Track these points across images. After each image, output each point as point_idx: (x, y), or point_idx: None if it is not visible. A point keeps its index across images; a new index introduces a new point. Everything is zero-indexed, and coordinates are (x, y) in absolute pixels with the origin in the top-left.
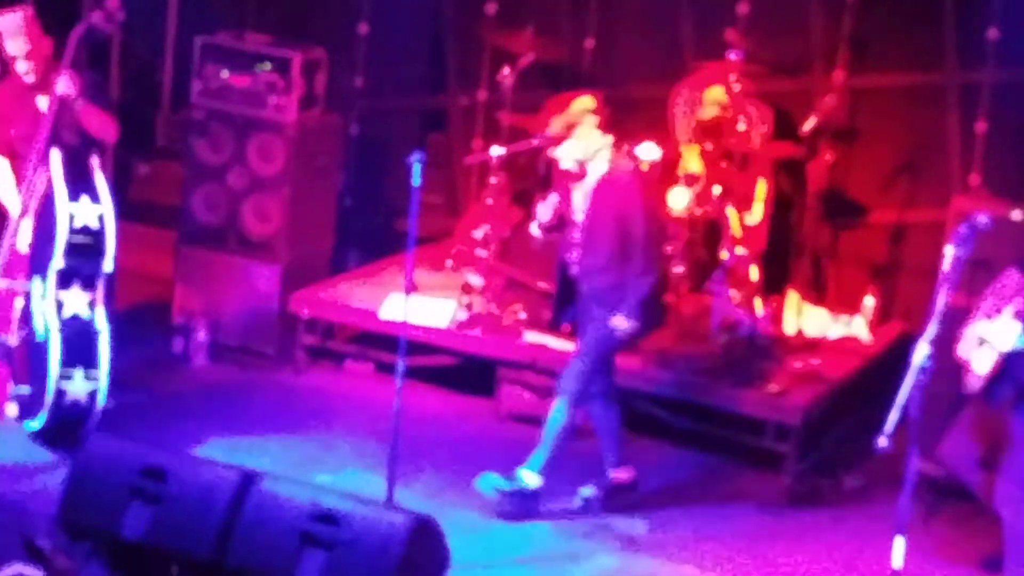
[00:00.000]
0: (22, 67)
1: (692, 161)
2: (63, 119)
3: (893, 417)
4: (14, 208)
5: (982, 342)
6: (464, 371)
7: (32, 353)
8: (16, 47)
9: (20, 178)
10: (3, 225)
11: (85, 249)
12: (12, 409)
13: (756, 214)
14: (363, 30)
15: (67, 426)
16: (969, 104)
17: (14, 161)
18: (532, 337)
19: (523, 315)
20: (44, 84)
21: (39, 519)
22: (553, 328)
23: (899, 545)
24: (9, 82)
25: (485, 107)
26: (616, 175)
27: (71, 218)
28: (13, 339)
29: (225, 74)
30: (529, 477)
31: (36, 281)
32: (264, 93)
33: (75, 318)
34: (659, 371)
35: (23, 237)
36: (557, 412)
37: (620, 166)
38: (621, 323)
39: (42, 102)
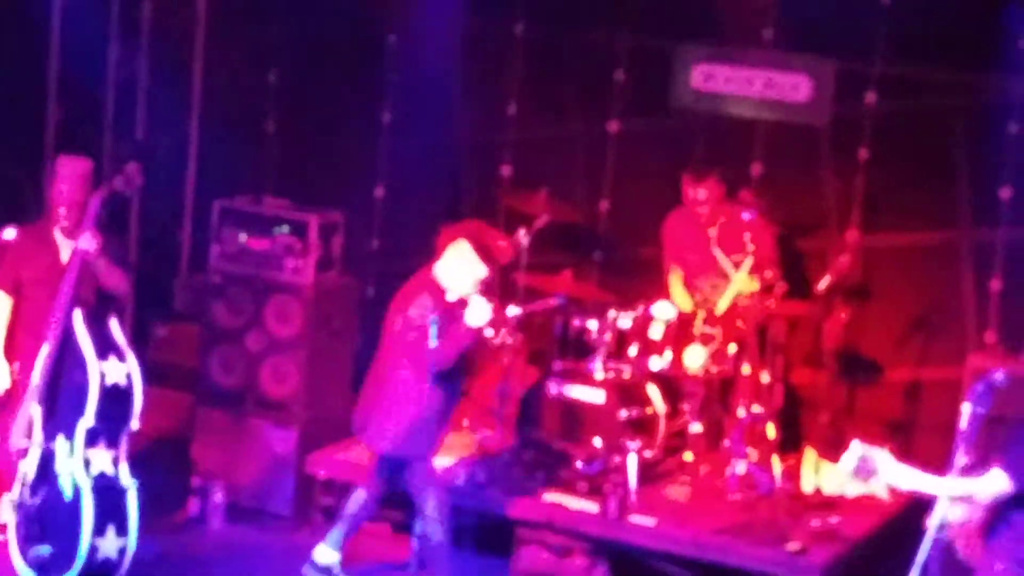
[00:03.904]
0: (62, 211)
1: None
2: (83, 278)
3: (914, 574)
4: None
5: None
6: (482, 531)
7: (54, 510)
8: (66, 189)
9: (24, 323)
10: None
11: (115, 407)
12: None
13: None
14: (379, 193)
15: None
16: (983, 262)
17: (20, 302)
18: (550, 496)
19: (541, 474)
20: (73, 235)
21: None
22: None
23: None
24: (36, 225)
25: (501, 268)
26: None
27: (102, 376)
28: (28, 499)
29: (243, 237)
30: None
31: (61, 440)
32: (281, 256)
33: (102, 475)
34: (677, 529)
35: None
36: None
37: None
38: None
39: (64, 253)
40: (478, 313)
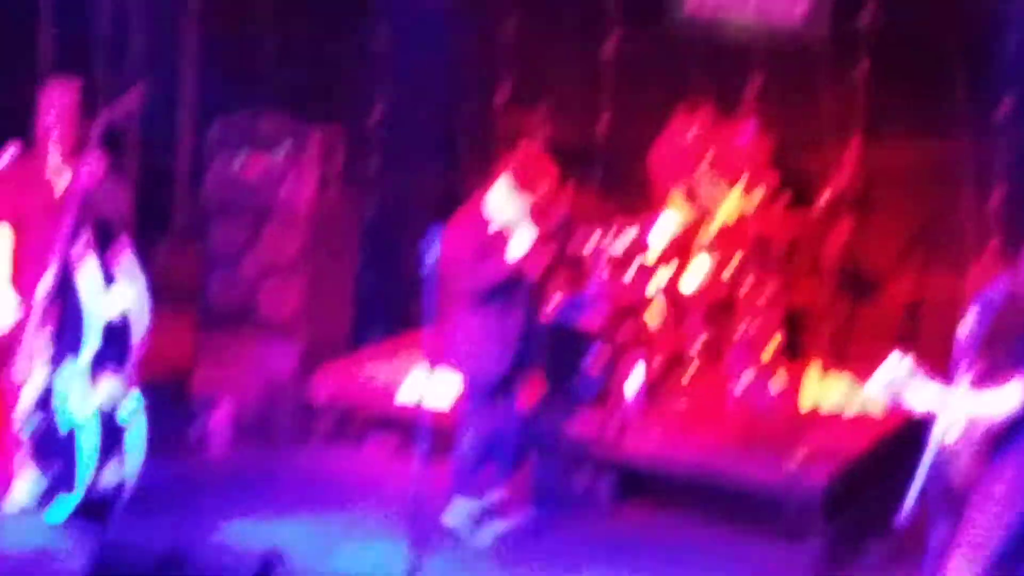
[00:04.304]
0: (54, 139)
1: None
2: (86, 205)
3: (915, 487)
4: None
5: None
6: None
7: (58, 434)
8: (55, 117)
9: (25, 251)
10: None
11: (118, 337)
12: (16, 500)
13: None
14: (378, 110)
15: (95, 512)
16: (985, 173)
17: (20, 233)
18: (553, 415)
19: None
20: (68, 163)
21: None
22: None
23: None
24: (30, 155)
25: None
26: None
27: (104, 308)
28: (35, 422)
29: (242, 156)
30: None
31: (66, 366)
32: (281, 175)
33: (108, 403)
34: (679, 447)
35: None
36: None
37: None
38: None
39: (61, 181)
40: (520, 243)
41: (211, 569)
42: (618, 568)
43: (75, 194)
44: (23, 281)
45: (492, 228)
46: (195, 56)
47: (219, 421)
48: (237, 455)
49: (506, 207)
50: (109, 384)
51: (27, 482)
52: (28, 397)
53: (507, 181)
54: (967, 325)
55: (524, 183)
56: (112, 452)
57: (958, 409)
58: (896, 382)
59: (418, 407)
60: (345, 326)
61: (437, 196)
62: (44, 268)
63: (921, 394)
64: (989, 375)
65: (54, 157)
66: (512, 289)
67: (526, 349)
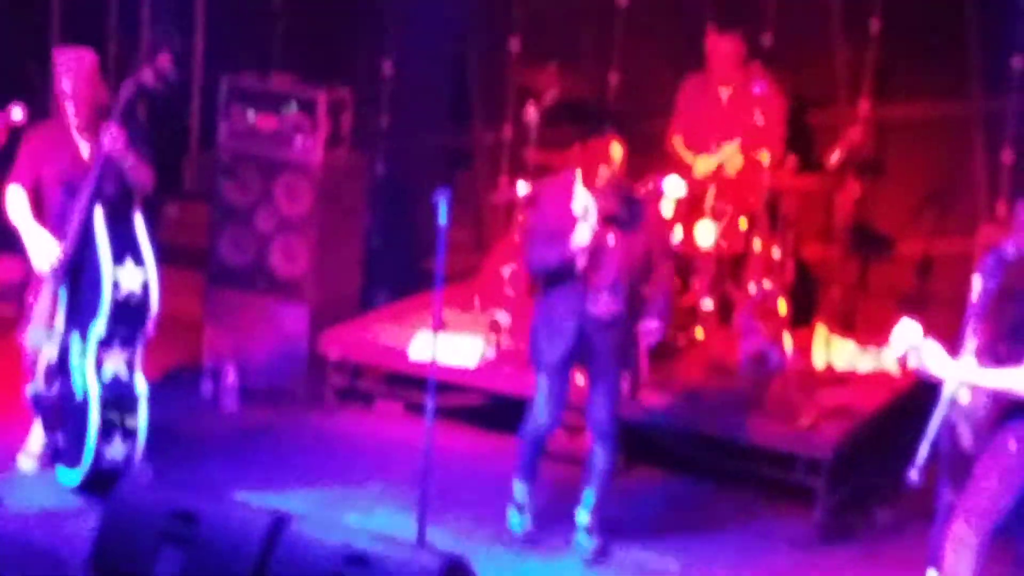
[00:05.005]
0: (70, 108)
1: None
2: (106, 174)
3: (924, 450)
4: (30, 234)
5: None
6: (494, 410)
7: (66, 403)
8: (69, 86)
9: (48, 222)
10: (16, 249)
11: (128, 315)
12: (26, 463)
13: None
14: (387, 69)
15: (102, 483)
16: (995, 133)
17: (42, 202)
18: None
19: None
20: (89, 131)
21: (71, 566)
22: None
23: None
24: (54, 122)
25: (510, 144)
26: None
27: (115, 286)
28: (44, 388)
29: (251, 115)
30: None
31: (75, 339)
32: (290, 133)
33: (115, 379)
34: (688, 407)
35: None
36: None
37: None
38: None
39: (84, 149)
40: (579, 234)
41: (222, 528)
42: (623, 530)
43: (96, 164)
44: None
45: (566, 213)
46: (204, 12)
47: (229, 380)
48: (247, 414)
49: (577, 198)
50: (119, 357)
51: (38, 444)
52: (40, 363)
53: (577, 177)
54: (976, 287)
55: (590, 177)
56: (117, 429)
57: (965, 379)
58: (910, 347)
59: (428, 368)
60: (355, 285)
61: (448, 154)
62: (61, 235)
63: (932, 359)
64: (999, 339)
65: (72, 125)
66: (564, 280)
67: (580, 341)
